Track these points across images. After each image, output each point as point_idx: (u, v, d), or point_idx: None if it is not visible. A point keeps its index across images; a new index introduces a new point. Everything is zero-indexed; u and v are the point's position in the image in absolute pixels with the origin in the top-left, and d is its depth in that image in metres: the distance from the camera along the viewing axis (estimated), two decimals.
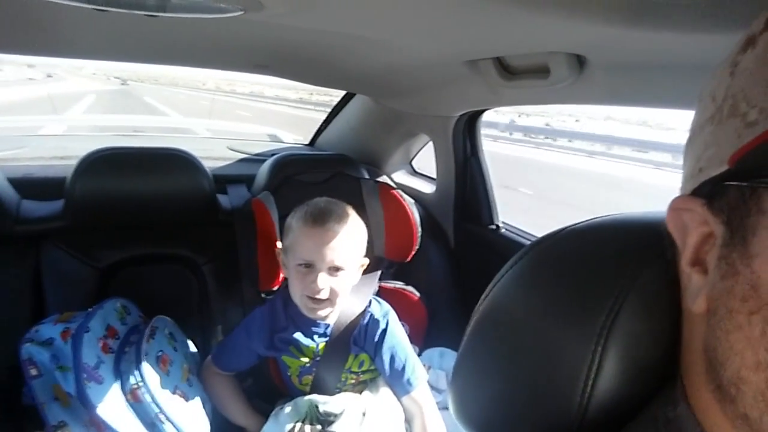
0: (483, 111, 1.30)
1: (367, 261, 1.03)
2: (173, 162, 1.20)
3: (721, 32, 0.52)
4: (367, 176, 1.39)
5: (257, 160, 1.61)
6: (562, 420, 0.32)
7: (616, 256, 0.33)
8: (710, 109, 0.28)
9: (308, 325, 1.01)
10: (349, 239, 0.95)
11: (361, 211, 1.09)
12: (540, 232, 1.21)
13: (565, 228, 0.37)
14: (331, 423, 0.92)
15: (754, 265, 0.24)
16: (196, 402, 0.97)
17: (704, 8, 0.48)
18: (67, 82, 24.71)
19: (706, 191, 0.27)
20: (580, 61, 0.75)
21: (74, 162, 1.13)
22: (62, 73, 30.01)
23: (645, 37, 0.59)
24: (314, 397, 0.96)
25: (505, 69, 0.88)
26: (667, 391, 0.31)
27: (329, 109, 1.78)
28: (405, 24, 0.70)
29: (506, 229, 1.34)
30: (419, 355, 1.23)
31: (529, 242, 0.39)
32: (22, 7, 0.67)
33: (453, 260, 1.44)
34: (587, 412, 0.31)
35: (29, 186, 1.24)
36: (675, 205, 0.29)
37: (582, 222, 0.37)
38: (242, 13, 0.65)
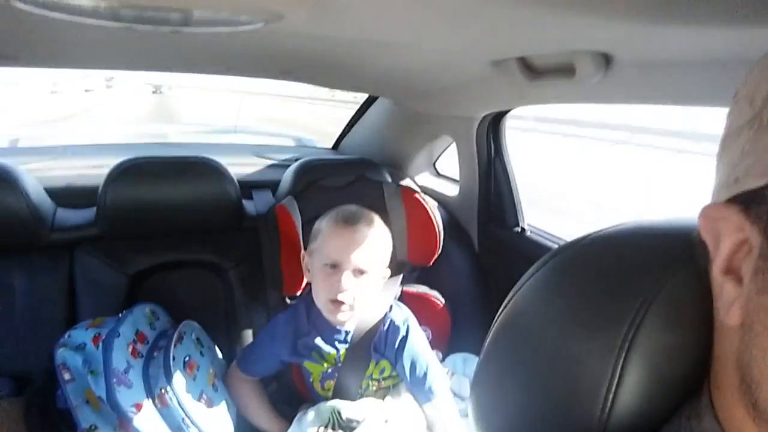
0: (507, 111, 1.27)
1: (389, 273, 1.03)
2: (200, 170, 1.22)
3: (758, 24, 0.49)
4: (389, 179, 1.39)
5: (282, 165, 1.63)
6: None
7: (639, 265, 0.32)
8: (747, 113, 0.26)
9: (329, 332, 1.01)
10: (376, 244, 0.97)
11: (384, 215, 1.08)
12: (565, 232, 1.18)
13: (589, 235, 0.36)
14: (353, 429, 0.92)
15: None
16: (222, 406, 0.98)
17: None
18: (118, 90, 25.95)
19: (742, 199, 0.26)
20: (606, 59, 0.72)
21: (106, 170, 1.17)
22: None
23: (674, 33, 0.56)
24: (337, 402, 0.96)
25: (529, 68, 0.85)
26: (692, 404, 0.30)
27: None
28: (427, 27, 0.69)
29: (532, 232, 1.31)
30: (442, 360, 1.22)
31: (555, 245, 0.38)
32: (50, 26, 0.69)
33: (477, 264, 1.41)
34: (608, 426, 0.30)
35: (65, 194, 1.28)
36: (708, 214, 0.27)
37: (606, 229, 0.36)
38: (263, 24, 0.66)
